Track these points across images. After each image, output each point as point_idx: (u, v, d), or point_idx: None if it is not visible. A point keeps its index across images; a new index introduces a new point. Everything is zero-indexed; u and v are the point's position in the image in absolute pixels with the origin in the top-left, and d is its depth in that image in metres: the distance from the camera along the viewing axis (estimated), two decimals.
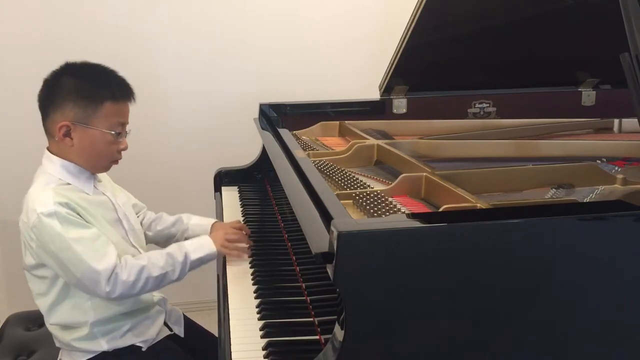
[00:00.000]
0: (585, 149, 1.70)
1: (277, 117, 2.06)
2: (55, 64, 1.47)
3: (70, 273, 1.39)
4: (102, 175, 1.58)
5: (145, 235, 1.72)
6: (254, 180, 2.17)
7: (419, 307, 0.97)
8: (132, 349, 1.52)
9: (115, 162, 1.51)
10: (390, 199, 1.32)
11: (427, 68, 2.01)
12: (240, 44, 2.63)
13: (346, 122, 2.03)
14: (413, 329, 0.97)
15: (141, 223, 1.72)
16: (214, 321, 1.47)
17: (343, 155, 1.68)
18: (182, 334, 1.66)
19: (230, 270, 1.56)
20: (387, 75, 2.03)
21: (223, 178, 2.18)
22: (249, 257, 1.61)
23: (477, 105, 2.13)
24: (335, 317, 1.00)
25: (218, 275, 1.58)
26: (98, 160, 1.49)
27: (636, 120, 1.10)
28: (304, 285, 1.42)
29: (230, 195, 2.10)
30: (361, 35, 2.70)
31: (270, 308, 1.35)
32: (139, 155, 2.02)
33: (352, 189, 1.39)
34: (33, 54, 2.40)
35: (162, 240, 1.78)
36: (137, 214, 1.71)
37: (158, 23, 2.54)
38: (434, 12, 1.76)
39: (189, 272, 1.53)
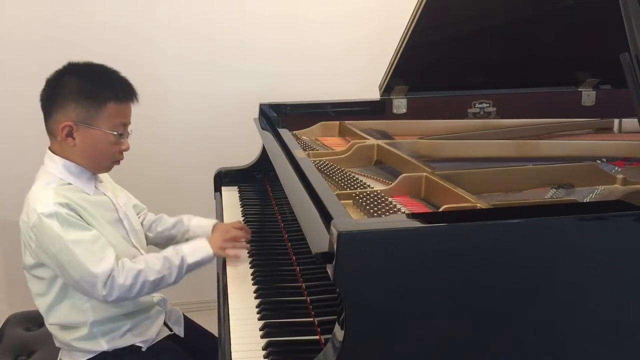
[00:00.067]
0: (585, 149, 1.70)
1: (277, 117, 2.06)
2: (55, 64, 1.47)
3: (68, 275, 1.39)
4: (103, 176, 1.58)
5: (146, 236, 1.72)
6: (254, 180, 2.17)
7: (419, 307, 0.97)
8: (132, 349, 1.52)
9: (117, 162, 1.52)
10: (390, 199, 1.32)
11: (427, 68, 2.01)
12: (240, 44, 2.63)
13: (346, 122, 2.03)
14: (413, 329, 0.97)
15: (141, 224, 1.72)
16: (214, 321, 1.47)
17: (343, 155, 1.68)
18: (182, 334, 1.66)
19: (230, 270, 1.56)
20: (387, 75, 2.03)
21: (223, 178, 2.18)
22: (249, 257, 1.61)
23: (477, 105, 2.13)
24: (335, 317, 1.00)
25: (218, 275, 1.58)
26: (100, 161, 1.49)
27: (636, 120, 1.10)
28: (304, 285, 1.42)
29: (230, 195, 2.10)
30: (361, 35, 2.70)
31: (270, 308, 1.35)
32: (139, 155, 2.01)
33: (352, 189, 1.39)
34: (33, 54, 2.40)
35: (162, 242, 1.78)
36: (137, 215, 1.71)
37: (158, 23, 2.54)
38: (434, 12, 1.76)
39: (189, 273, 1.52)
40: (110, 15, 2.48)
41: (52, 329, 1.51)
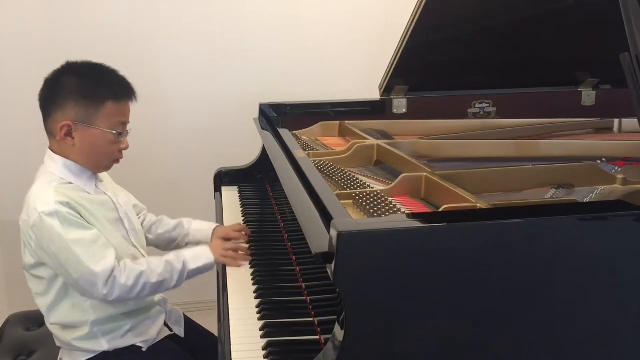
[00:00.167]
0: (585, 149, 1.70)
1: (277, 117, 2.06)
2: (55, 64, 1.48)
3: (68, 274, 1.39)
4: (104, 175, 1.58)
5: (146, 237, 1.72)
6: (254, 180, 2.17)
7: (419, 307, 0.97)
8: (133, 349, 1.52)
9: (117, 161, 1.52)
10: (390, 199, 1.32)
11: (427, 68, 2.01)
12: (240, 44, 2.63)
13: (346, 122, 2.03)
14: (413, 329, 0.97)
15: (141, 225, 1.72)
16: (214, 321, 1.47)
17: (343, 155, 1.68)
18: (182, 334, 1.66)
19: (230, 270, 1.56)
20: (387, 75, 2.03)
21: (223, 178, 2.18)
22: (249, 260, 1.61)
23: (477, 105, 2.13)
24: (335, 317, 1.00)
25: (218, 275, 1.58)
26: (100, 160, 1.49)
27: (636, 120, 1.10)
28: (304, 285, 1.42)
29: (230, 195, 2.10)
30: (361, 35, 2.70)
31: (270, 308, 1.35)
32: (139, 155, 2.02)
33: (352, 189, 1.39)
34: (33, 54, 2.40)
35: (163, 244, 1.78)
36: (137, 215, 1.71)
37: (158, 23, 2.54)
38: (434, 12, 1.76)
39: (189, 279, 1.53)
40: (110, 15, 2.48)
41: (52, 328, 1.52)
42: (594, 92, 2.17)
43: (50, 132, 1.47)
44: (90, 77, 1.45)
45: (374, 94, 2.12)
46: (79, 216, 1.41)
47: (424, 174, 1.38)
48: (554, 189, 1.41)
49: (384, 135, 1.97)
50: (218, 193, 2.14)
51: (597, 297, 1.01)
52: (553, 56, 2.00)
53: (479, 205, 1.15)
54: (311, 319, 1.29)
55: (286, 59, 2.67)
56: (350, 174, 1.51)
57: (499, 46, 1.96)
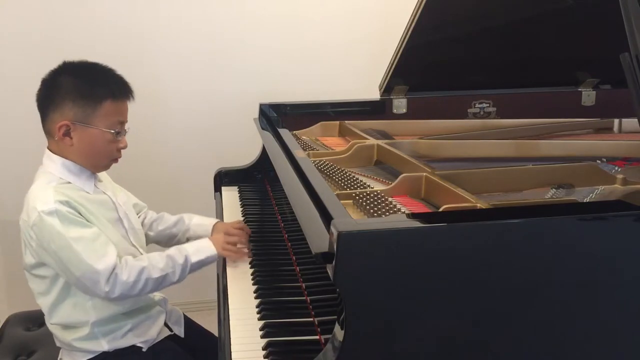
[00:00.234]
0: (585, 149, 1.70)
1: (277, 117, 2.06)
2: (55, 64, 1.48)
3: (70, 272, 1.39)
4: (103, 175, 1.58)
5: (147, 235, 1.72)
6: (254, 180, 2.17)
7: (419, 307, 0.97)
8: (133, 349, 1.52)
9: (115, 160, 1.52)
10: (390, 199, 1.32)
11: (427, 68, 2.01)
12: (240, 44, 2.63)
13: (346, 122, 2.03)
14: (413, 329, 0.97)
15: (142, 223, 1.72)
16: (214, 321, 1.47)
17: (343, 155, 1.68)
18: (182, 334, 1.66)
19: (230, 270, 1.56)
20: (387, 75, 2.03)
21: (223, 178, 2.18)
22: (249, 257, 1.61)
23: (477, 105, 2.13)
24: (335, 317, 1.00)
25: (218, 275, 1.58)
26: (98, 159, 1.49)
27: (636, 120, 1.10)
28: (304, 285, 1.42)
29: (230, 195, 2.10)
30: (361, 35, 2.70)
31: (270, 308, 1.35)
32: (138, 155, 2.02)
33: (352, 189, 1.39)
34: (33, 54, 2.40)
35: (163, 240, 1.78)
36: (137, 213, 1.71)
37: (158, 23, 2.54)
38: (434, 12, 1.76)
39: (192, 273, 1.53)
40: (110, 15, 2.48)
41: (53, 328, 1.52)
42: (594, 92, 2.17)
43: (48, 133, 1.47)
44: (88, 77, 1.45)
45: (374, 94, 2.12)
46: (79, 215, 1.41)
47: (424, 174, 1.38)
48: (554, 189, 1.41)
49: (384, 135, 1.97)
50: (218, 193, 2.14)
51: (597, 297, 1.01)
52: (553, 56, 2.00)
53: (479, 205, 1.15)
54: (311, 319, 1.29)
55: (286, 59, 2.67)
56: (350, 174, 1.51)
57: (499, 46, 1.96)
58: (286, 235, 1.69)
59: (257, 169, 2.18)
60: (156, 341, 1.57)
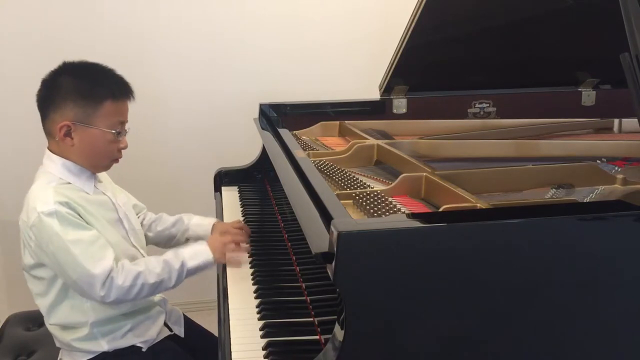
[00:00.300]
0: (585, 149, 1.70)
1: (277, 117, 2.06)
2: (55, 64, 1.47)
3: (67, 275, 1.39)
4: (103, 176, 1.58)
5: (146, 236, 1.72)
6: (254, 180, 2.17)
7: (419, 307, 0.97)
8: (133, 349, 1.52)
9: (116, 161, 1.52)
10: (390, 199, 1.32)
11: (427, 68, 2.01)
12: (240, 44, 2.63)
13: (346, 122, 2.03)
14: (413, 329, 0.97)
15: (141, 224, 1.72)
16: (214, 321, 1.47)
17: (343, 155, 1.68)
18: (182, 334, 1.66)
19: (230, 270, 1.56)
20: (387, 75, 2.03)
21: (223, 178, 2.18)
22: (249, 257, 1.61)
23: (477, 105, 2.13)
24: (335, 317, 1.00)
25: (218, 275, 1.58)
26: (99, 160, 1.49)
27: (636, 120, 1.10)
28: (304, 285, 1.42)
29: (230, 195, 2.10)
30: (361, 35, 2.70)
31: (270, 308, 1.35)
32: (138, 155, 2.02)
33: (352, 189, 1.39)
34: (33, 54, 2.40)
35: (163, 241, 1.78)
36: (137, 214, 1.71)
37: (158, 23, 2.54)
38: (434, 12, 1.76)
39: (189, 277, 1.52)
40: (110, 15, 2.48)
41: (52, 329, 1.51)
42: (594, 92, 2.17)
43: (48, 133, 1.47)
44: (88, 77, 1.45)
45: (374, 94, 2.12)
46: (78, 216, 1.40)
47: (424, 174, 1.38)
48: (554, 189, 1.41)
49: (384, 135, 1.97)
50: (218, 193, 2.14)
51: (597, 297, 1.01)
52: (553, 56, 2.00)
53: (479, 205, 1.15)
54: (311, 319, 1.29)
55: (286, 59, 2.67)
56: (350, 174, 1.51)
57: (499, 46, 1.96)
58: (286, 235, 1.69)
59: (257, 169, 2.18)
60: (156, 341, 1.56)
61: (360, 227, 0.93)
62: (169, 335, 1.62)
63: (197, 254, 1.51)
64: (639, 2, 1.10)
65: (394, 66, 1.97)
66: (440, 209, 1.20)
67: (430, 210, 1.27)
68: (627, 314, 1.03)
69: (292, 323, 1.29)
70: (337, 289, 0.95)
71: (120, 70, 1.50)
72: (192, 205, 2.07)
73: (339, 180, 1.47)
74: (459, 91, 2.14)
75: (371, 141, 1.75)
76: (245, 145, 2.32)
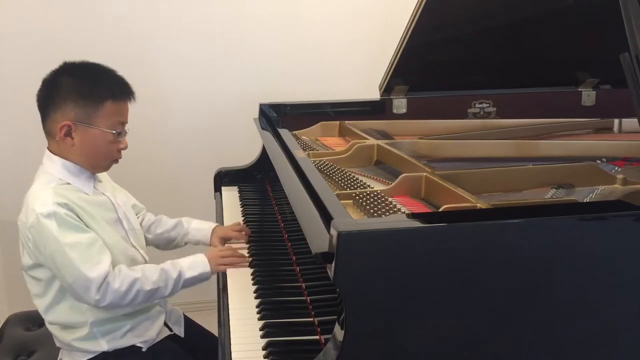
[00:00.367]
0: (585, 149, 1.70)
1: (277, 117, 2.06)
2: (55, 64, 1.47)
3: (63, 277, 1.39)
4: (102, 175, 1.58)
5: (145, 237, 1.71)
6: (254, 180, 2.17)
7: (419, 307, 0.97)
8: (133, 349, 1.52)
9: (116, 161, 1.52)
10: (390, 199, 1.32)
11: (427, 68, 2.01)
12: (240, 44, 2.63)
13: (346, 122, 2.03)
14: (413, 329, 0.97)
15: (140, 225, 1.72)
16: (214, 321, 1.47)
17: (343, 155, 1.68)
18: (182, 334, 1.66)
19: (230, 270, 1.56)
20: (387, 75, 2.03)
21: (223, 178, 2.18)
22: (249, 257, 1.61)
23: (477, 105, 2.13)
24: (335, 317, 1.00)
25: (218, 276, 1.58)
26: (99, 160, 1.49)
27: (636, 120, 1.10)
28: (304, 285, 1.42)
29: (230, 195, 2.10)
30: (361, 35, 2.70)
31: (270, 308, 1.35)
32: (138, 155, 2.02)
33: (352, 189, 1.39)
34: (33, 54, 2.40)
35: (162, 244, 1.78)
36: (136, 215, 1.71)
37: (158, 23, 2.54)
38: (434, 12, 1.76)
39: (185, 288, 1.53)
40: (110, 15, 2.48)
41: (52, 328, 1.51)
42: (594, 92, 2.17)
43: (49, 133, 1.47)
44: (88, 77, 1.45)
45: (374, 94, 2.12)
46: (77, 218, 1.40)
47: (424, 174, 1.38)
48: (554, 189, 1.41)
49: (384, 135, 1.97)
50: (218, 193, 2.14)
51: (597, 297, 1.01)
52: (553, 56, 2.00)
53: (479, 205, 1.15)
54: (311, 319, 1.29)
55: (286, 59, 2.67)
56: (350, 174, 1.51)
57: (499, 46, 1.96)
58: (286, 235, 1.69)
59: (257, 169, 2.18)
60: (156, 341, 1.56)
61: (360, 227, 0.93)
62: (169, 335, 1.62)
63: (195, 264, 1.52)
64: (639, 2, 1.10)
65: (394, 66, 1.97)
66: (440, 209, 1.20)
67: (430, 210, 1.27)
68: (627, 314, 1.03)
69: (292, 323, 1.29)
70: (337, 289, 0.95)
71: (120, 70, 1.50)
72: (192, 205, 2.08)
73: (339, 180, 1.47)
74: (459, 91, 2.14)
75: (371, 141, 1.75)
76: (245, 145, 2.32)
